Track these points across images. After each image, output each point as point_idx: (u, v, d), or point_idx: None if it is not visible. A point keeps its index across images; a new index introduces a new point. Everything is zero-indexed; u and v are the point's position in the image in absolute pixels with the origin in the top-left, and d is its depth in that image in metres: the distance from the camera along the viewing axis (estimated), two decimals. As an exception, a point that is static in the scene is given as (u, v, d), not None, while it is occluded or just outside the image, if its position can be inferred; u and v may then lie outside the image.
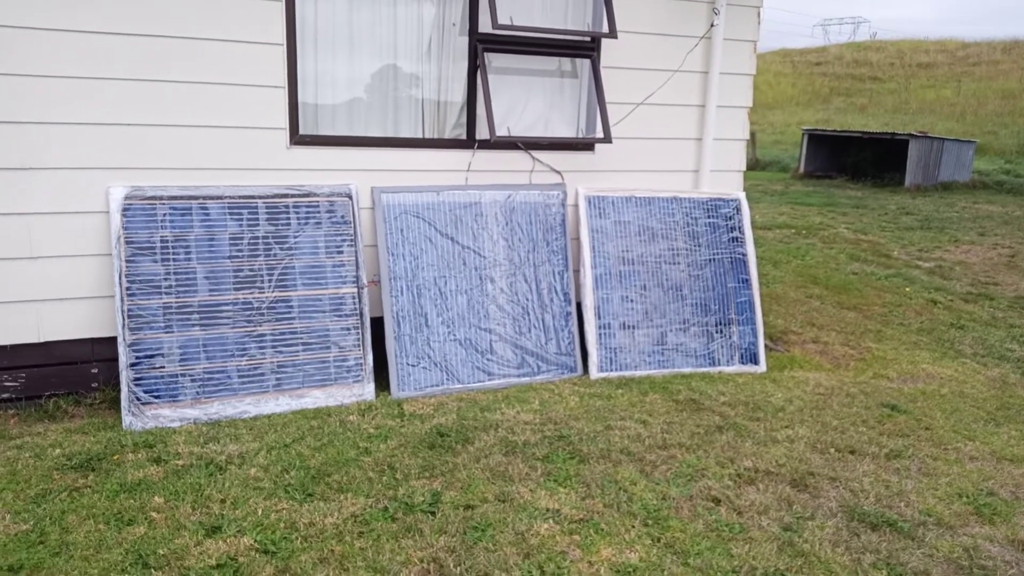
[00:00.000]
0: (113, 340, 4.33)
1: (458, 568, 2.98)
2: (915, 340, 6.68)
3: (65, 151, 4.25)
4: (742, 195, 5.81)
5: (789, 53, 47.71)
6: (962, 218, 14.49)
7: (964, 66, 40.53)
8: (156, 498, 3.38)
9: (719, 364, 5.47)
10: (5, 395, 4.36)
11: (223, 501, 3.39)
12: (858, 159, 21.92)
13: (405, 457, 3.87)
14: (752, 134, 26.17)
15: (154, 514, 3.26)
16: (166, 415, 4.24)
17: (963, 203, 16.97)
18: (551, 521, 3.33)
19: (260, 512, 3.31)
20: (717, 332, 5.52)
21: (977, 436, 4.51)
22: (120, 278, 4.27)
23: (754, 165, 24.61)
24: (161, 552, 2.99)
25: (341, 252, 4.75)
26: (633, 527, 3.31)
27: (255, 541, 3.09)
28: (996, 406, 5.06)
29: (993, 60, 40.60)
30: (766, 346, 5.90)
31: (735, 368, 5.48)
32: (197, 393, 4.34)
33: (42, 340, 4.38)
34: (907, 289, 8.61)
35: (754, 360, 5.55)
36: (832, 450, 4.18)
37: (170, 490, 3.45)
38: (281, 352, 4.55)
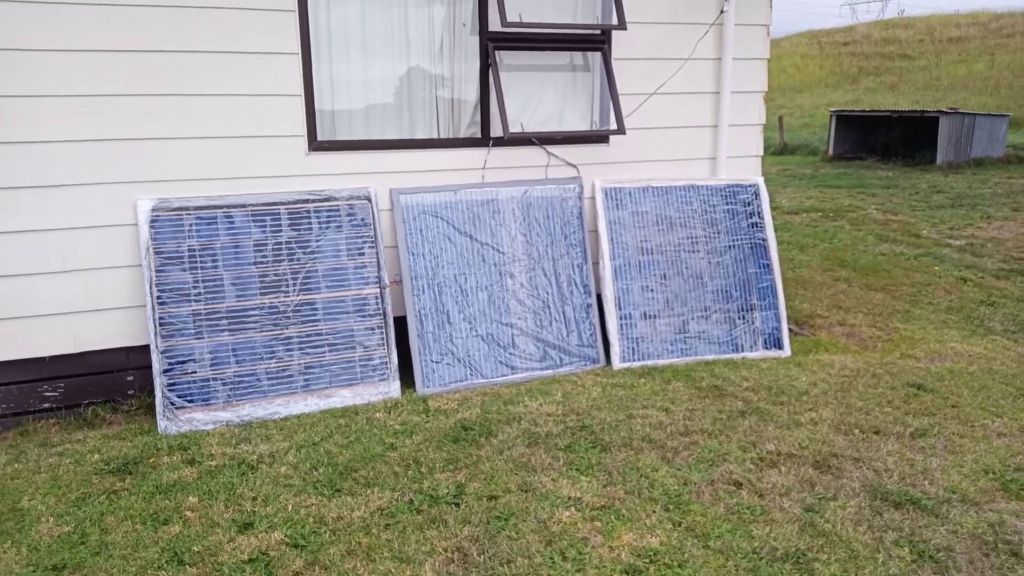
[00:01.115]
0: (146, 348, 4.48)
1: (481, 556, 3.05)
2: (944, 319, 6.60)
3: (93, 167, 4.40)
4: (760, 180, 5.80)
5: (816, 34, 47.08)
6: (995, 194, 14.22)
7: (997, 38, 39.62)
8: (190, 498, 3.50)
9: (742, 350, 5.47)
10: (46, 404, 4.53)
11: (254, 499, 3.50)
12: (888, 139, 21.59)
13: (430, 451, 3.95)
14: (780, 118, 25.92)
15: (188, 513, 3.38)
16: (199, 418, 4.37)
17: (996, 179, 16.64)
18: (573, 509, 3.38)
19: (290, 508, 3.41)
20: (739, 318, 5.52)
21: (1005, 412, 4.47)
22: (151, 287, 4.42)
23: (782, 149, 24.36)
24: (195, 549, 3.11)
25: (362, 254, 4.85)
26: (654, 512, 3.36)
27: (285, 536, 3.19)
28: (1026, 382, 5.00)
29: (1028, 30, 39.63)
30: (791, 330, 5.89)
31: (759, 353, 5.48)
32: (228, 396, 4.47)
33: (78, 351, 4.54)
34: (936, 268, 8.50)
35: (778, 345, 5.54)
36: (856, 431, 4.17)
37: (203, 490, 3.57)
38: (308, 354, 4.66)
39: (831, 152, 21.85)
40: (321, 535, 3.21)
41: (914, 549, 3.10)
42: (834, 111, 22.39)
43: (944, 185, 15.57)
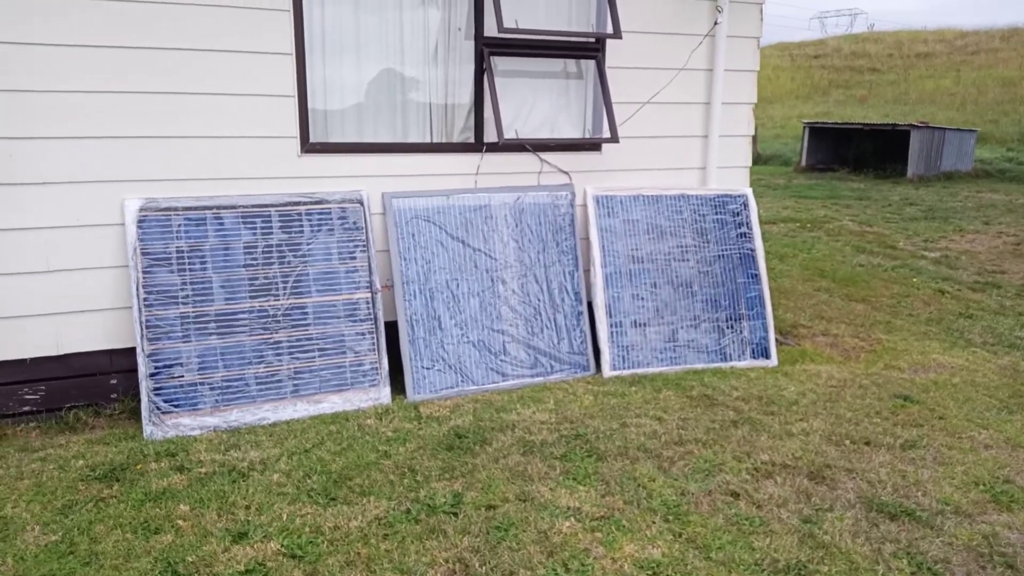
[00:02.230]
0: (131, 351, 4.37)
1: (484, 568, 3.01)
2: (924, 330, 6.70)
3: (80, 165, 4.29)
4: (749, 191, 5.84)
5: (787, 47, 47.73)
6: (966, 207, 14.50)
7: (963, 55, 40.50)
8: (181, 506, 3.42)
9: (731, 359, 5.49)
10: (26, 408, 4.40)
11: (248, 507, 3.42)
12: (860, 151, 21.95)
13: (424, 459, 3.90)
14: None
15: (180, 522, 3.30)
16: (186, 424, 4.28)
17: (966, 192, 16.98)
18: (572, 519, 3.36)
19: (285, 517, 3.34)
20: (728, 327, 5.55)
21: (990, 424, 4.53)
22: (137, 289, 4.32)
23: (756, 159, 24.61)
24: (190, 559, 3.03)
25: (354, 258, 4.79)
26: (654, 523, 3.34)
27: (282, 546, 3.12)
28: (1008, 394, 5.08)
29: (992, 48, 40.57)
30: (777, 340, 5.93)
31: (747, 363, 5.51)
32: (216, 401, 4.38)
33: (61, 353, 4.43)
34: (914, 280, 8.63)
35: (765, 354, 5.57)
36: (847, 442, 4.20)
37: (195, 498, 3.49)
38: (298, 358, 4.59)
39: (804, 163, 22.15)
40: (318, 545, 3.15)
41: (912, 561, 3.13)
42: (806, 123, 22.70)
43: (916, 198, 15.85)
